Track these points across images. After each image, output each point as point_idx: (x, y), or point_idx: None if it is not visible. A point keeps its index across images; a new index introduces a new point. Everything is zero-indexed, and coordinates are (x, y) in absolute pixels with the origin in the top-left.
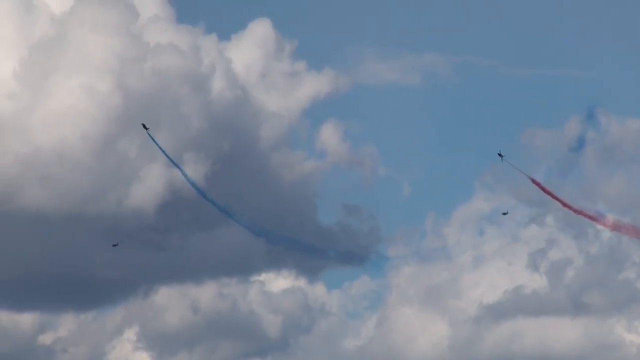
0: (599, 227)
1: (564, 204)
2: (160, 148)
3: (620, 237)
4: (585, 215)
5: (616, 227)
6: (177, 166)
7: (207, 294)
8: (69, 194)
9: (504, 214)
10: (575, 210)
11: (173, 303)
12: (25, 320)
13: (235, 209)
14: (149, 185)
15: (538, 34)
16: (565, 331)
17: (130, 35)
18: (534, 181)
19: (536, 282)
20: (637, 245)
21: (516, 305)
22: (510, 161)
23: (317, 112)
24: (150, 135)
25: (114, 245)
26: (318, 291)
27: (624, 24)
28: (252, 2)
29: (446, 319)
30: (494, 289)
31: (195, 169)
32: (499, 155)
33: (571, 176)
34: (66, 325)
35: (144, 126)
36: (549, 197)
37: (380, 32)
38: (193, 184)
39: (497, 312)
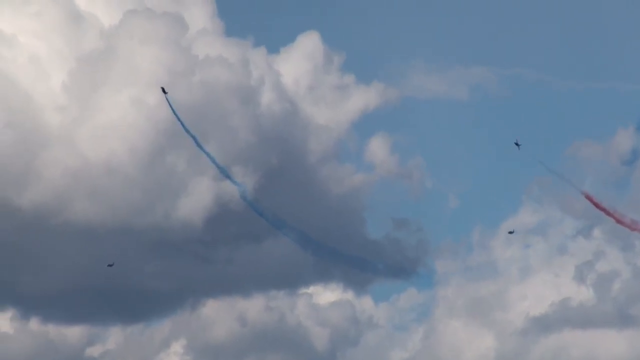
0: None
1: (617, 220)
2: (208, 155)
3: None
4: (636, 229)
5: None
6: (228, 176)
7: (254, 307)
8: (118, 207)
9: (510, 232)
10: (626, 225)
11: (220, 316)
12: (74, 333)
13: (283, 221)
14: (197, 198)
15: (587, 47)
16: (612, 343)
17: (179, 48)
18: (587, 196)
19: (583, 294)
20: None
21: (563, 317)
22: (558, 173)
23: (366, 125)
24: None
25: (109, 266)
26: (365, 304)
27: None
28: (300, 15)
29: (493, 332)
30: (541, 302)
31: (243, 182)
32: (516, 144)
33: (618, 188)
34: (114, 337)
35: (163, 90)
36: (597, 209)
37: (427, 45)
38: (243, 193)
39: (544, 324)
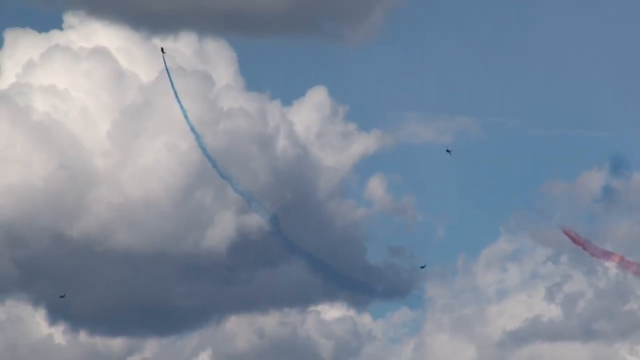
0: (607, 264)
1: (592, 253)
2: (236, 189)
3: (625, 274)
4: (599, 256)
5: (621, 265)
6: (253, 208)
7: (270, 322)
8: (154, 237)
9: (448, 151)
10: (600, 257)
11: (241, 329)
12: (117, 343)
13: (295, 249)
14: (222, 229)
15: (558, 97)
16: (577, 354)
17: (207, 101)
18: (565, 231)
19: (552, 312)
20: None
21: (535, 332)
22: (531, 210)
23: (365, 167)
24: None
25: (61, 297)
26: (365, 320)
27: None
28: (310, 73)
29: (474, 344)
30: (516, 318)
31: (261, 217)
32: (447, 151)
33: (582, 222)
34: (150, 348)
35: (162, 50)
36: (564, 239)
37: (418, 99)
38: (271, 219)
39: (518, 337)
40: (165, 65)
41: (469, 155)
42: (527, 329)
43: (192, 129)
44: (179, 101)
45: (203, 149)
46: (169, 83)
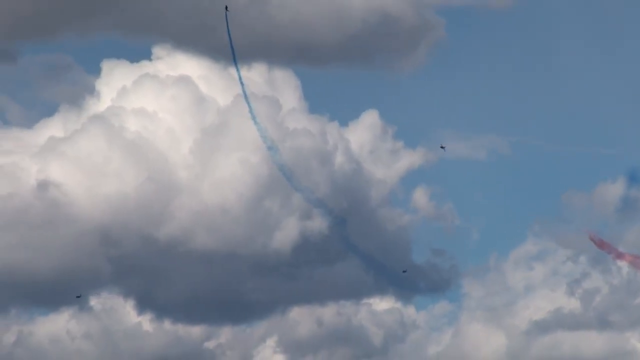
0: (620, 264)
1: (617, 256)
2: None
3: (636, 272)
4: (615, 256)
5: (633, 264)
6: (320, 212)
7: (328, 313)
8: (228, 239)
9: (442, 147)
10: (627, 260)
11: (303, 319)
12: (195, 330)
13: (351, 249)
14: (287, 232)
15: (575, 118)
16: (593, 342)
17: (275, 123)
18: (591, 237)
19: (572, 304)
20: None
21: (557, 322)
22: (553, 216)
23: (411, 179)
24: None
25: (78, 297)
26: (410, 311)
27: None
28: (363, 98)
29: (504, 333)
30: (540, 310)
31: (321, 222)
32: (442, 147)
33: (599, 227)
34: (225, 334)
35: (226, 7)
36: (582, 241)
37: (456, 120)
38: (333, 222)
39: (542, 327)
40: (244, 91)
41: (498, 169)
42: (550, 320)
43: (269, 145)
44: (255, 121)
45: (277, 163)
46: (247, 106)
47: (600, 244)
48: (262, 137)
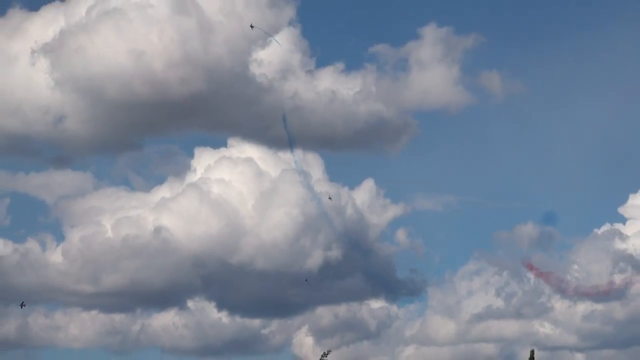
0: (529, 275)
1: (555, 283)
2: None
3: (539, 281)
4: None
5: (538, 276)
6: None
7: (342, 310)
8: (277, 263)
9: (329, 198)
10: (562, 291)
11: (325, 314)
12: (255, 322)
13: (356, 270)
14: (315, 258)
15: (504, 186)
16: (512, 327)
17: (308, 187)
18: (527, 265)
19: (498, 303)
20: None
21: (488, 314)
22: (487, 247)
23: (395, 224)
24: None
25: (22, 305)
26: (394, 308)
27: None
28: (364, 171)
29: (454, 322)
30: (478, 307)
31: (337, 252)
32: (329, 198)
33: (517, 253)
34: (274, 324)
35: (251, 26)
36: (504, 263)
37: (425, 185)
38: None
39: (479, 318)
40: (298, 167)
41: (452, 217)
42: (483, 313)
43: (318, 200)
44: (304, 185)
45: (323, 211)
46: (290, 178)
47: (529, 266)
48: (309, 194)
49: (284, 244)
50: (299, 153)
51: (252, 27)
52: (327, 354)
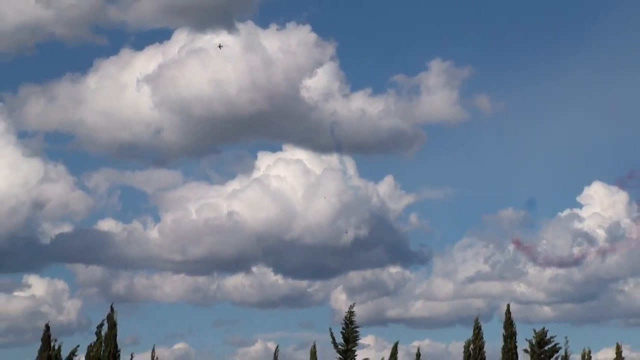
0: (510, 248)
1: (530, 254)
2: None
3: (518, 252)
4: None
5: (518, 248)
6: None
7: (368, 274)
8: (320, 237)
9: (220, 46)
10: (517, 245)
11: (355, 277)
12: (303, 283)
13: (379, 243)
14: (349, 235)
15: (493, 182)
16: (496, 287)
17: (344, 181)
18: (514, 241)
19: (486, 269)
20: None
21: (478, 277)
22: (478, 226)
23: (409, 209)
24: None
25: None
26: (407, 273)
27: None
28: (385, 170)
29: (452, 282)
30: (469, 271)
31: (365, 230)
32: (219, 46)
33: (501, 231)
34: (317, 284)
35: (219, 46)
36: (493, 237)
37: (431, 180)
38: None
39: (471, 279)
40: (344, 170)
41: (453, 205)
42: (474, 276)
43: (355, 191)
44: (344, 180)
45: (355, 200)
46: (331, 174)
47: (516, 242)
48: (345, 187)
49: (325, 224)
50: (338, 156)
51: (220, 46)
52: (353, 306)
